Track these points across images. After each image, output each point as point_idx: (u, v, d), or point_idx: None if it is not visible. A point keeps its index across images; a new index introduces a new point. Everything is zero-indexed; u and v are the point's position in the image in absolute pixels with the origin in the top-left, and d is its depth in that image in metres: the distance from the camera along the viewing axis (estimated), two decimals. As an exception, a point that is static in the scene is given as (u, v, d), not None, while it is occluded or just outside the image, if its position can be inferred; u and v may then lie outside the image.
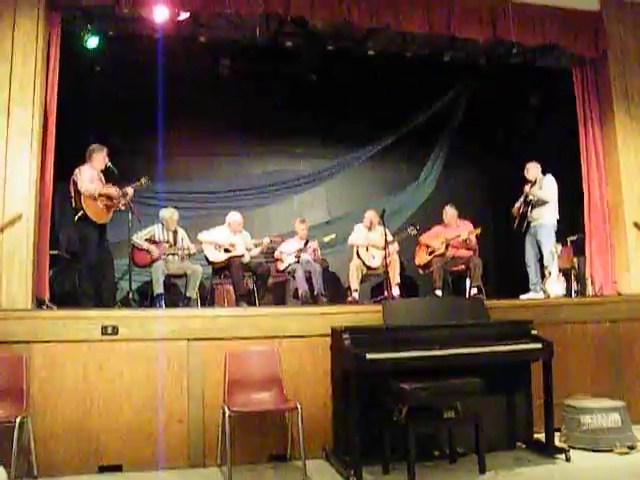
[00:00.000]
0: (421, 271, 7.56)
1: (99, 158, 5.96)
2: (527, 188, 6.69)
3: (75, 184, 5.76)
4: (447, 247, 7.26)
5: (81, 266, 5.92)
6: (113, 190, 5.90)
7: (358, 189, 8.99)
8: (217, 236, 6.91)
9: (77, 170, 5.82)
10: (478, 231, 7.19)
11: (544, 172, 6.74)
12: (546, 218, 6.56)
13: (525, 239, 6.75)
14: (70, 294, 6.57)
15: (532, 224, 6.67)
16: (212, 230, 7.02)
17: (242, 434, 4.54)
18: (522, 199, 6.76)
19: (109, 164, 5.99)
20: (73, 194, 5.79)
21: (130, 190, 6.05)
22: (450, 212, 7.46)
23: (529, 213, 6.65)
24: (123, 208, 6.03)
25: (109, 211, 5.95)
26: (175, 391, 4.57)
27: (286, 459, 4.63)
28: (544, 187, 6.59)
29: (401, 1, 6.14)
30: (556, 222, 6.58)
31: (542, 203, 6.55)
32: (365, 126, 8.48)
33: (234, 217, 7.08)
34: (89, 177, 5.81)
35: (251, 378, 4.59)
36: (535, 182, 6.69)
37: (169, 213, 6.81)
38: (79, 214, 5.73)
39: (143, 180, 6.22)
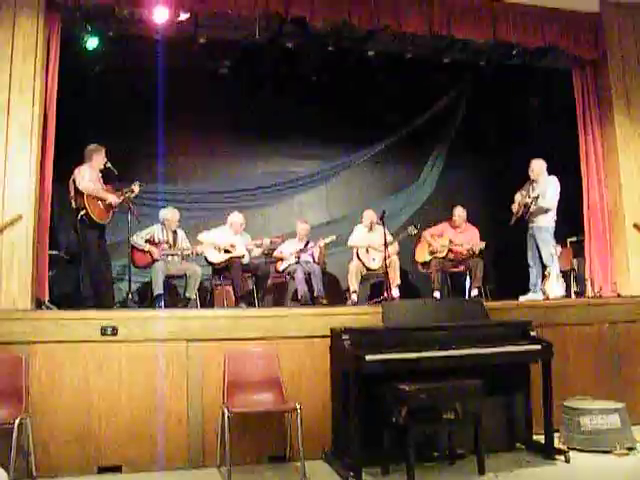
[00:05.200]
0: (420, 268, 7.54)
1: (98, 158, 5.98)
2: (525, 197, 6.61)
3: (75, 184, 5.78)
4: (449, 252, 7.26)
5: (81, 267, 5.92)
6: (110, 198, 5.91)
7: (358, 190, 8.98)
8: (218, 236, 6.90)
9: (77, 170, 5.83)
10: (482, 245, 7.15)
11: (548, 172, 6.67)
12: (543, 221, 6.53)
13: (527, 240, 6.74)
14: (70, 295, 6.57)
15: (530, 225, 6.65)
16: (213, 230, 7.01)
17: (241, 435, 4.53)
18: (520, 200, 6.72)
19: (108, 164, 6.02)
20: (73, 194, 5.81)
21: (134, 190, 6.13)
22: (460, 213, 7.41)
23: (527, 215, 6.64)
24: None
25: (109, 211, 5.96)
26: (174, 392, 4.57)
27: (285, 460, 4.62)
28: (547, 195, 6.46)
29: (401, 2, 6.16)
30: (554, 224, 6.55)
31: (543, 211, 6.53)
32: (365, 127, 8.47)
33: (236, 218, 7.07)
34: (88, 177, 5.83)
35: (250, 379, 4.59)
36: (538, 182, 6.62)
37: (171, 213, 6.81)
38: (81, 213, 5.74)
39: (135, 187, 6.20)
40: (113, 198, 5.92)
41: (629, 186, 6.48)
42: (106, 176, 6.12)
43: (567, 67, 7.07)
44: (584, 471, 4.32)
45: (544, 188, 6.52)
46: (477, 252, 7.18)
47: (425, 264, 7.41)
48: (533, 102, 8.35)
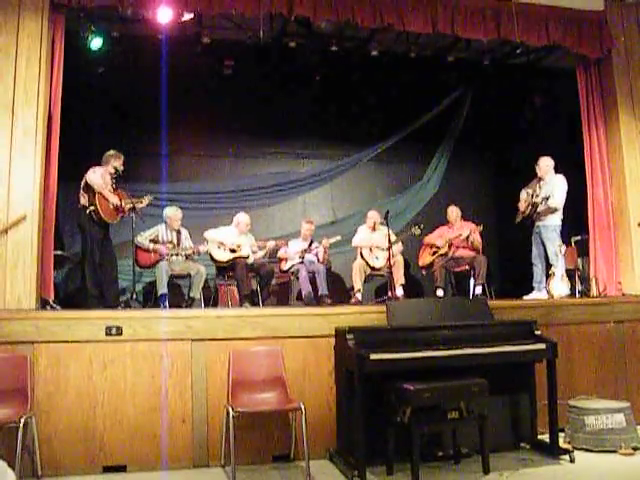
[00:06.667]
0: (424, 272, 7.56)
1: (115, 163, 6.04)
2: (531, 195, 6.61)
3: (85, 179, 5.85)
4: (450, 247, 7.26)
5: (85, 266, 5.94)
6: (113, 199, 5.94)
7: (362, 190, 8.98)
8: (224, 235, 6.91)
9: (91, 169, 5.90)
10: (480, 228, 7.17)
11: (555, 170, 6.65)
12: (550, 219, 6.53)
13: (532, 238, 6.73)
14: (75, 295, 6.59)
15: (536, 223, 6.65)
16: (219, 229, 7.02)
17: (246, 434, 4.54)
18: (526, 198, 6.69)
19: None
20: (83, 190, 5.88)
21: (142, 202, 6.19)
22: (454, 211, 7.47)
23: (534, 214, 6.62)
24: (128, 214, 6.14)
25: (118, 213, 6.00)
26: (179, 391, 4.58)
27: (290, 459, 4.63)
28: (555, 194, 6.46)
29: (404, 1, 6.14)
30: (560, 222, 6.55)
31: (551, 211, 6.51)
32: (369, 126, 8.49)
33: (243, 218, 7.07)
34: (100, 174, 5.91)
35: (255, 378, 4.60)
36: (544, 180, 6.59)
37: (173, 211, 6.81)
38: (90, 209, 5.78)
39: (145, 200, 6.25)
40: (115, 200, 5.94)
41: (634, 185, 6.46)
42: (116, 180, 6.15)
43: (571, 66, 7.05)
44: (589, 471, 4.31)
45: (552, 188, 6.52)
46: (477, 238, 7.17)
47: (428, 265, 7.41)
48: (537, 101, 8.32)
